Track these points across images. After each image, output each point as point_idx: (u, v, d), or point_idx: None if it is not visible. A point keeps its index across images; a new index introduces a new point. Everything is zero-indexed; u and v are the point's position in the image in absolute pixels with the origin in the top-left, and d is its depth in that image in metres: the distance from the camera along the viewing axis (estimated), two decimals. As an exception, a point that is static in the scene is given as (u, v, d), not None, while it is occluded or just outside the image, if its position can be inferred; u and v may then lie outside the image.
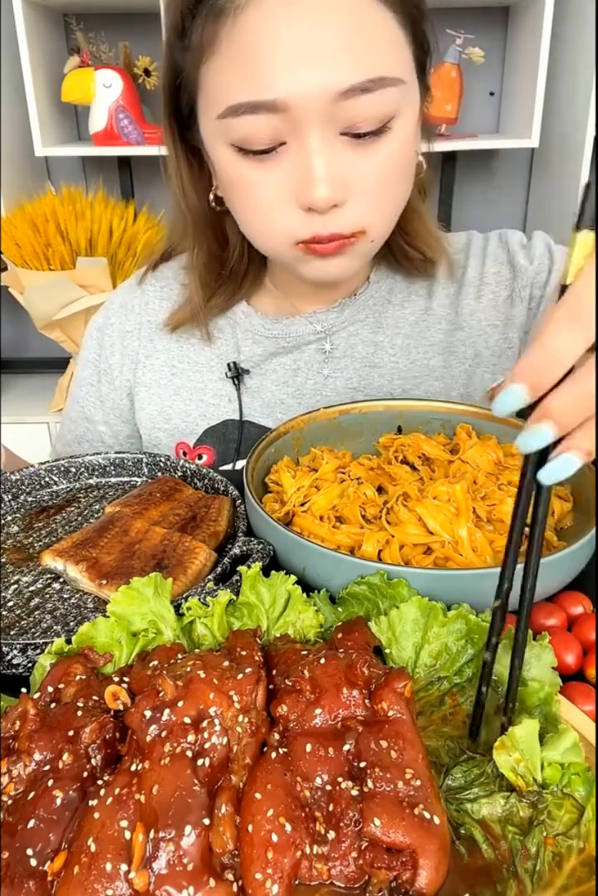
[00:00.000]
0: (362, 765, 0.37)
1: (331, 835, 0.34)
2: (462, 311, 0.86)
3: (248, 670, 0.42)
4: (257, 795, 0.35)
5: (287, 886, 0.33)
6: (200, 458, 0.88)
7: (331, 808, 0.35)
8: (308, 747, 0.37)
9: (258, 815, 0.34)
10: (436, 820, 0.35)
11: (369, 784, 0.36)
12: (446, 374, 0.86)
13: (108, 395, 0.92)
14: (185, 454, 0.88)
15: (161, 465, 0.77)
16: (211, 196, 0.74)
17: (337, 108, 0.59)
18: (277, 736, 0.39)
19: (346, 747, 0.38)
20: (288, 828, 0.34)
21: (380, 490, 0.67)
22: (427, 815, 0.34)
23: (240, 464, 0.86)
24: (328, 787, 0.36)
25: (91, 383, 0.93)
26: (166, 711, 0.38)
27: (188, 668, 0.41)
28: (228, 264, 0.82)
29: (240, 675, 0.41)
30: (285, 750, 0.38)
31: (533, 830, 0.37)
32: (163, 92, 0.70)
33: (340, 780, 0.36)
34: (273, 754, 0.37)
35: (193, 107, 0.67)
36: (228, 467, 0.86)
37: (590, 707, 0.46)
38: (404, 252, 0.83)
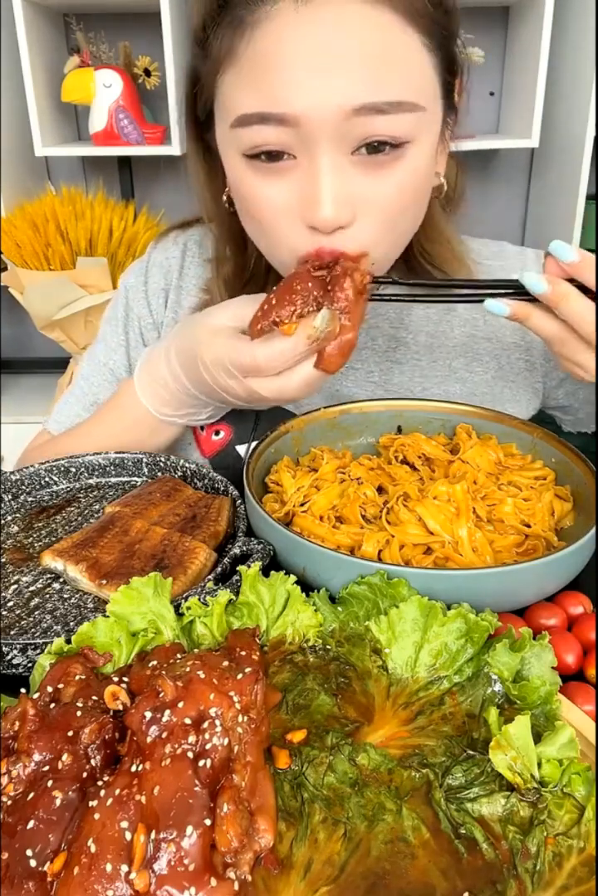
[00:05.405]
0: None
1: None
2: (490, 322, 0.86)
3: (247, 670, 0.42)
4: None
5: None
6: (217, 434, 0.88)
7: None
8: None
9: None
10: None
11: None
12: (468, 378, 0.87)
13: (136, 345, 0.91)
14: (203, 428, 0.88)
15: (161, 465, 0.77)
16: (224, 197, 0.75)
17: (349, 126, 0.58)
18: None
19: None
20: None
21: (380, 490, 0.67)
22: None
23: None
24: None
25: (117, 336, 0.91)
26: (167, 712, 0.38)
27: (188, 669, 0.41)
28: (249, 267, 0.82)
29: (240, 675, 0.41)
30: None
31: (533, 830, 0.37)
32: (184, 97, 0.71)
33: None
34: None
35: (211, 112, 0.68)
36: (243, 447, 0.87)
37: (590, 707, 0.46)
38: (425, 270, 0.82)
